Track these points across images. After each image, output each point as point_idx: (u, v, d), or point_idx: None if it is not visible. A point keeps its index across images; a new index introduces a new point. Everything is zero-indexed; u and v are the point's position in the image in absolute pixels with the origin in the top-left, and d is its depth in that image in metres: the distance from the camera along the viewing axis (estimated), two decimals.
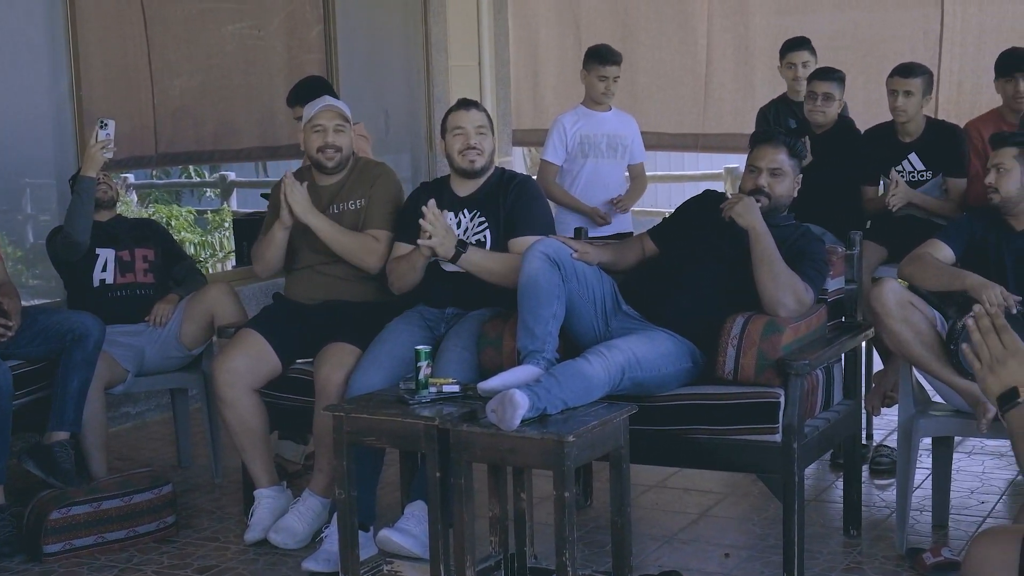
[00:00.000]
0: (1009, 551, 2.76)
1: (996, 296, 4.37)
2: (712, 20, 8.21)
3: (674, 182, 12.05)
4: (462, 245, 4.62)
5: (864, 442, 5.69)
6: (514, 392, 3.75)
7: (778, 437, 4.25)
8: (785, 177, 4.65)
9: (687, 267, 4.59)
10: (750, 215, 4.49)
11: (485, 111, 4.89)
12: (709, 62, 8.26)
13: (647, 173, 7.14)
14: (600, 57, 6.71)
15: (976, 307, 2.65)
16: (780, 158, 4.65)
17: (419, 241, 4.60)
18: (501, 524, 4.17)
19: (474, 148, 4.78)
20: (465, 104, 4.89)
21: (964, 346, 2.66)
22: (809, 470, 5.40)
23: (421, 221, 4.55)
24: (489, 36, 8.62)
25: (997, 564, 2.76)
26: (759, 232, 4.47)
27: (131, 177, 12.43)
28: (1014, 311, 4.35)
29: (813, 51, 6.68)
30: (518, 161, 11.24)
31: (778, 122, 6.56)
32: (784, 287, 4.43)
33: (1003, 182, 4.63)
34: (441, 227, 4.58)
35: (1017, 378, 2.55)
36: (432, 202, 4.61)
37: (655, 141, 8.65)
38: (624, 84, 8.35)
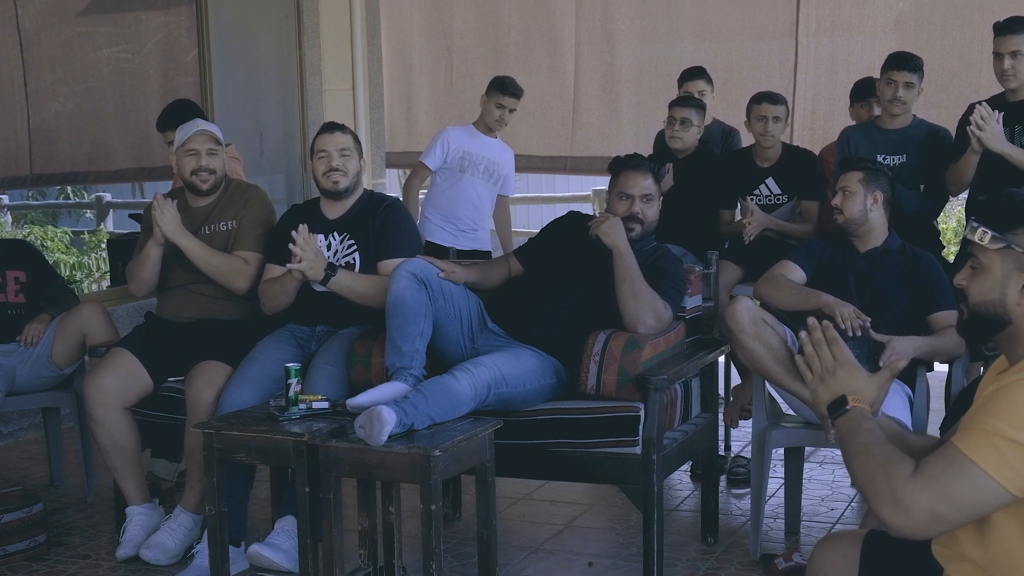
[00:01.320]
0: (850, 554, 2.84)
1: (849, 314, 4.47)
2: (580, 48, 8.30)
3: (544, 203, 12.16)
4: (331, 268, 4.61)
5: (722, 453, 5.79)
6: (382, 408, 3.75)
7: (638, 449, 4.30)
8: (654, 202, 4.73)
9: (551, 286, 4.63)
10: (615, 234, 4.56)
11: (351, 134, 4.88)
12: (577, 88, 8.35)
13: (519, 194, 7.21)
14: (502, 87, 6.85)
15: (809, 320, 2.70)
16: (648, 184, 4.72)
17: (288, 265, 4.58)
18: (370, 537, 4.17)
19: (337, 170, 4.77)
20: (330, 127, 4.88)
21: (798, 357, 2.71)
22: (669, 480, 5.49)
23: (291, 246, 4.54)
24: (363, 61, 8.61)
25: (839, 566, 2.84)
26: (622, 251, 4.53)
27: (5, 198, 12.18)
28: (867, 325, 4.46)
29: (709, 80, 6.78)
30: (392, 183, 11.24)
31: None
32: (644, 305, 4.49)
33: (848, 204, 4.75)
34: (311, 251, 4.56)
35: (845, 387, 2.61)
36: (303, 227, 4.59)
37: (525, 163, 8.71)
38: None
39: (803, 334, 2.68)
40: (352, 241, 4.80)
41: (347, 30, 8.52)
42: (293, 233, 4.55)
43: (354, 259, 4.77)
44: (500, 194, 7.07)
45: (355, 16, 8.54)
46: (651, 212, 4.72)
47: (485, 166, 6.87)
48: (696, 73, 6.77)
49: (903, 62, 5.66)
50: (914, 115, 5.74)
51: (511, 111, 6.85)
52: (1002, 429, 2.35)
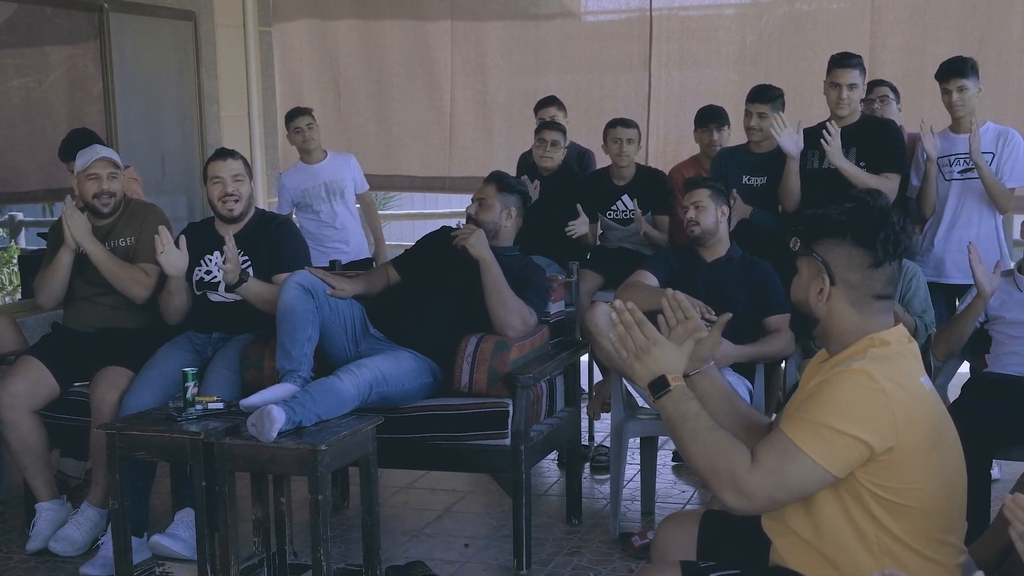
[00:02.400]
0: (689, 530, 2.91)
1: (698, 309, 4.54)
2: (455, 79, 8.31)
3: (427, 219, 12.13)
4: (244, 276, 4.58)
5: (586, 443, 5.84)
6: (272, 407, 3.73)
7: (508, 441, 4.35)
8: (491, 209, 4.76)
9: (427, 293, 4.65)
10: (481, 247, 4.59)
11: (242, 159, 4.83)
12: (453, 115, 8.36)
13: (404, 211, 7.18)
14: (289, 115, 6.98)
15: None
16: (488, 190, 4.79)
17: (217, 265, 4.58)
18: (263, 525, 4.14)
19: (232, 195, 4.73)
20: (222, 154, 4.83)
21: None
22: (537, 468, 5.53)
23: (225, 248, 4.51)
24: (257, 90, 8.52)
25: (679, 541, 2.90)
26: (488, 263, 4.57)
27: None
28: (713, 317, 4.53)
29: (561, 106, 6.88)
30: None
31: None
32: (511, 311, 4.53)
33: (702, 217, 4.82)
34: (234, 257, 4.53)
35: (663, 366, 2.58)
36: (229, 237, 4.57)
37: (408, 183, 8.74)
38: (380, 134, 8.44)
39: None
40: (246, 257, 4.76)
41: (242, 62, 8.43)
42: (227, 238, 4.54)
43: (248, 273, 4.73)
44: (358, 193, 7.05)
45: (250, 49, 8.46)
46: (483, 214, 4.77)
47: (325, 189, 6.89)
48: (549, 101, 6.89)
49: (757, 94, 5.76)
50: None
51: (308, 126, 6.88)
52: (826, 419, 2.42)
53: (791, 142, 5.38)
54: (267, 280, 4.70)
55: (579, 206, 6.01)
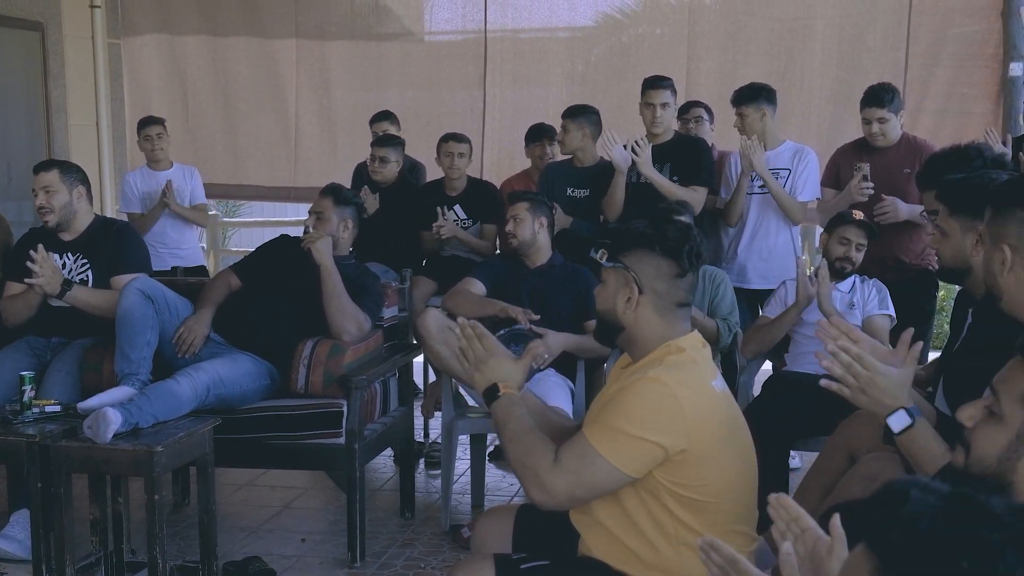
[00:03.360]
0: (506, 523, 2.91)
1: (519, 313, 4.59)
2: (300, 93, 8.20)
3: (275, 226, 11.92)
4: (67, 284, 4.41)
5: (421, 440, 5.81)
6: (107, 410, 3.62)
7: (342, 440, 4.29)
8: (329, 222, 4.71)
9: (266, 299, 4.56)
10: (325, 253, 4.54)
11: (58, 169, 4.63)
12: (298, 128, 8.24)
13: (253, 217, 7.02)
14: (140, 123, 6.84)
15: (460, 320, 2.72)
16: (325, 204, 4.74)
17: (27, 280, 4.36)
18: (101, 525, 4.00)
19: (43, 207, 4.56)
20: (37, 167, 4.66)
21: (456, 350, 2.72)
22: (374, 464, 5.47)
23: (29, 264, 4.32)
24: (106, 100, 8.27)
25: (496, 533, 2.90)
26: (329, 269, 4.51)
27: None
28: (537, 319, 4.58)
29: (395, 120, 6.85)
30: None
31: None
32: (347, 316, 4.48)
33: (519, 229, 4.87)
34: (48, 268, 4.35)
35: (496, 374, 2.65)
36: (41, 247, 4.38)
37: (255, 192, 8.61)
38: (228, 145, 8.29)
39: (456, 330, 2.70)
40: (85, 260, 4.59)
41: (91, 73, 8.16)
42: (32, 252, 4.33)
43: (87, 276, 4.57)
44: (195, 204, 6.85)
45: (98, 61, 8.19)
46: (323, 228, 4.70)
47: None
48: (383, 115, 6.92)
49: (569, 111, 5.84)
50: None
51: (158, 136, 6.74)
52: (622, 425, 2.45)
53: (621, 156, 5.45)
54: (105, 284, 4.54)
55: (440, 209, 5.98)
